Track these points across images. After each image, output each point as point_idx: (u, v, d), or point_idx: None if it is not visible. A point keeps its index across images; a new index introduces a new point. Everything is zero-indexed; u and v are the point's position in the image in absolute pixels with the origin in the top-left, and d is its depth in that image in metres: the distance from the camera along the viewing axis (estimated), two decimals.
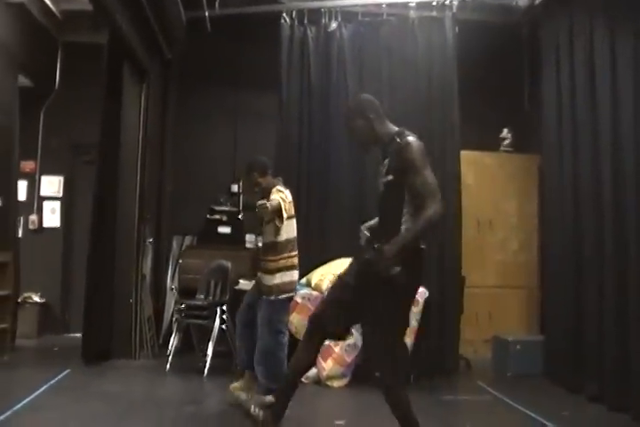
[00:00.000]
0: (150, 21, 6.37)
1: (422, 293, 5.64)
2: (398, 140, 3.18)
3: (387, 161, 3.24)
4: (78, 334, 7.16)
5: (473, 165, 6.87)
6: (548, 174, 6.16)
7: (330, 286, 4.13)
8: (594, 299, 5.18)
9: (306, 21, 6.71)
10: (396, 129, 3.31)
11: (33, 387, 4.91)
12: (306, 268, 5.57)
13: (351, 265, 3.47)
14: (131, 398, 4.87)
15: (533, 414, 4.50)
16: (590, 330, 5.21)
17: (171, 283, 7.19)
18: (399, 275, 3.02)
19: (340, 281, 3.50)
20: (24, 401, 4.55)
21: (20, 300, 7.08)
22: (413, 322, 5.50)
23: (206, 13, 6.83)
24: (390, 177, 3.17)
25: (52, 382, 5.17)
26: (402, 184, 3.14)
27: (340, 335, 3.73)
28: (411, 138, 3.16)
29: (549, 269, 5.99)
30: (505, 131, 7.30)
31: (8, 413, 4.26)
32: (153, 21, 6.39)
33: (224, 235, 7.13)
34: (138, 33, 6.29)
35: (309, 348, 3.47)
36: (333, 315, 3.37)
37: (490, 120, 7.28)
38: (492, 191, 6.99)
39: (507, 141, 7.27)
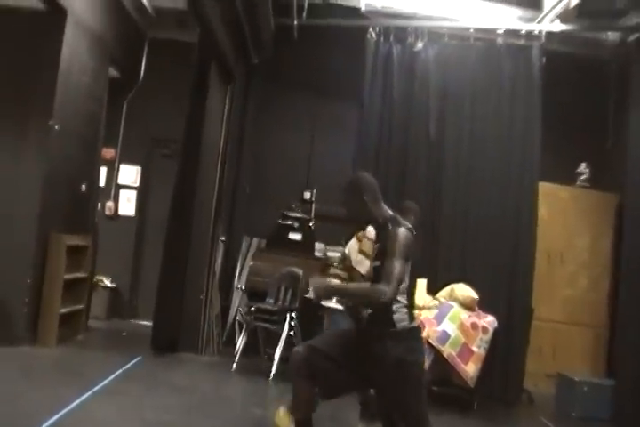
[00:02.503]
0: (242, 26, 6.46)
1: (492, 322, 5.61)
2: (390, 227, 3.15)
3: (377, 246, 3.20)
4: (144, 322, 7.39)
5: (547, 196, 6.77)
6: (631, 215, 6.05)
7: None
8: None
9: (392, 39, 6.71)
10: (391, 214, 3.27)
11: (108, 370, 5.03)
12: None
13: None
14: (200, 393, 4.94)
15: None
16: None
17: (237, 282, 7.26)
18: (416, 356, 3.13)
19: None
20: (102, 383, 4.68)
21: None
22: (481, 350, 5.49)
23: (295, 22, 6.92)
24: (378, 262, 3.14)
25: (125, 367, 5.28)
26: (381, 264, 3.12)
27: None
28: (401, 229, 3.13)
29: (624, 311, 5.85)
30: (583, 165, 7.19)
31: (89, 393, 4.39)
32: (244, 26, 6.48)
33: (294, 241, 7.15)
34: (229, 36, 6.39)
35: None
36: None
37: (568, 153, 7.18)
38: (564, 225, 6.89)
39: (583, 176, 7.16)
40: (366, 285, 3.15)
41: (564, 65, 6.69)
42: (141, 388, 4.82)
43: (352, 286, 3.27)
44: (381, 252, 3.13)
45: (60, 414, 3.86)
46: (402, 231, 3.11)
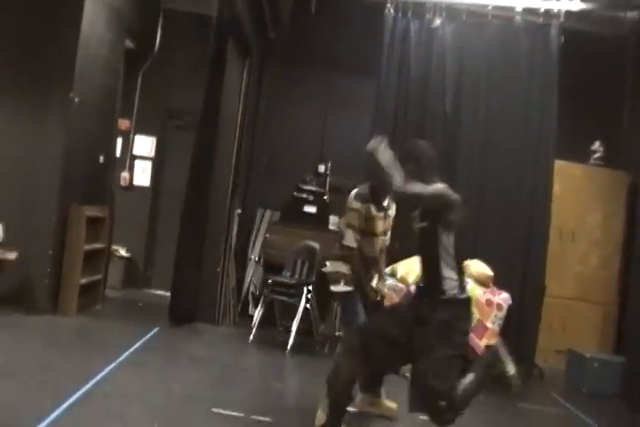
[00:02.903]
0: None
1: (506, 298, 5.67)
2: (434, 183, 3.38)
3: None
4: (159, 291, 7.52)
5: (560, 174, 6.74)
6: None
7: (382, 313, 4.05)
8: None
9: (410, 14, 6.60)
10: (442, 186, 3.40)
11: (129, 341, 5.11)
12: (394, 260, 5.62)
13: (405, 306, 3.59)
14: (220, 365, 5.02)
15: None
16: None
17: (251, 253, 7.32)
18: (461, 323, 3.28)
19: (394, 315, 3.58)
20: (124, 355, 4.75)
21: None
22: (495, 326, 5.56)
23: None
24: (424, 223, 3.32)
25: (146, 338, 5.36)
26: (435, 228, 3.29)
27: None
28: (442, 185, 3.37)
29: (635, 289, 5.87)
30: (597, 144, 7.17)
31: (114, 364, 4.47)
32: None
33: (309, 214, 7.19)
34: (248, 9, 6.33)
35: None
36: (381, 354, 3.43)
37: (583, 131, 7.13)
38: (577, 203, 6.90)
39: (597, 155, 7.14)
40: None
41: (582, 43, 6.59)
42: (163, 359, 4.90)
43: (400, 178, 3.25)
44: (428, 211, 3.32)
45: (89, 385, 3.94)
46: (443, 187, 3.34)
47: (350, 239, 3.93)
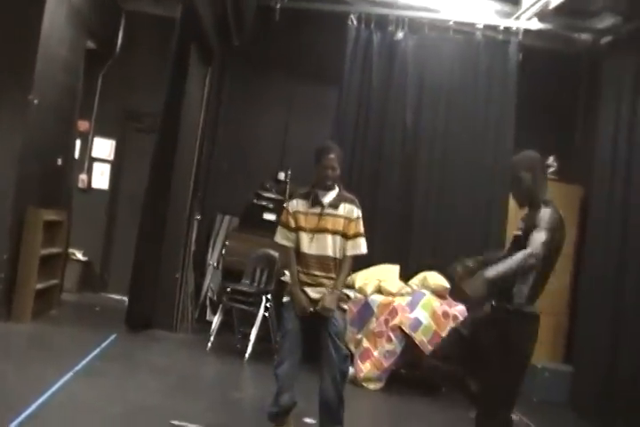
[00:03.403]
0: (225, 5, 6.31)
1: (462, 311, 5.72)
2: (542, 206, 3.27)
3: (525, 223, 3.34)
4: (115, 295, 7.38)
5: None
6: (594, 207, 6.21)
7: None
8: (632, 333, 5.19)
9: (372, 26, 6.67)
10: (549, 197, 3.37)
11: (86, 349, 5.00)
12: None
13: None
14: (178, 374, 4.95)
15: None
16: (624, 365, 5.22)
17: (210, 259, 7.24)
18: (525, 337, 3.21)
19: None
20: (81, 364, 4.63)
21: None
22: None
23: (277, 4, 6.80)
24: (520, 234, 3.28)
25: (103, 346, 5.24)
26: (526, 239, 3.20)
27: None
28: (548, 209, 3.25)
29: (586, 300, 6.01)
30: (551, 158, 7.31)
31: (70, 374, 4.34)
32: (227, 5, 6.33)
33: (268, 222, 7.11)
34: (211, 15, 6.26)
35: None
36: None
37: (539, 146, 7.10)
38: None
39: (551, 169, 7.27)
40: (513, 257, 3.09)
41: (538, 60, 6.77)
42: (120, 368, 4.80)
43: (503, 265, 3.10)
44: (525, 229, 3.24)
45: (45, 396, 3.83)
46: (549, 212, 3.20)
47: (278, 236, 3.91)
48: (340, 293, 3.82)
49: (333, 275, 3.82)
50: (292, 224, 3.85)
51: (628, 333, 5.29)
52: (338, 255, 3.82)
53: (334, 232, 3.81)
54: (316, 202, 3.83)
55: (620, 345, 5.37)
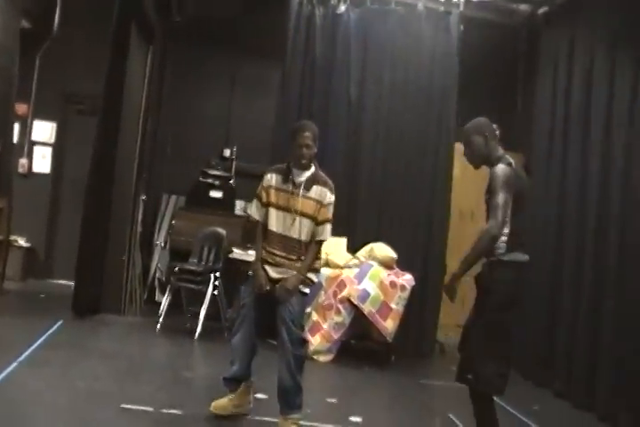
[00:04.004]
0: None
1: (410, 280, 5.75)
2: (495, 164, 3.39)
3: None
4: (61, 281, 7.17)
5: (460, 156, 6.83)
6: (535, 173, 6.27)
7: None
8: (568, 297, 5.33)
9: (315, 0, 6.56)
10: (501, 153, 3.48)
11: (31, 338, 4.81)
12: None
13: None
14: (128, 358, 4.83)
15: (507, 406, 4.55)
16: (563, 326, 5.36)
17: (157, 239, 7.12)
18: (497, 286, 3.25)
19: None
20: (25, 353, 4.46)
21: None
22: (399, 307, 5.64)
23: None
24: (486, 197, 3.38)
25: (48, 333, 5.08)
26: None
27: None
28: (500, 166, 3.35)
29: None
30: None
31: (14, 364, 4.18)
32: None
33: (215, 199, 7.02)
34: None
35: None
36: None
37: (481, 115, 7.28)
38: (475, 184, 7.02)
39: None
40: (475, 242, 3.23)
41: (479, 31, 6.75)
42: (67, 355, 4.64)
43: (469, 254, 3.25)
44: (488, 189, 3.32)
45: None
46: (499, 168, 3.31)
47: (253, 208, 3.88)
48: (303, 277, 3.74)
49: (294, 257, 3.76)
50: (264, 198, 3.81)
51: (565, 297, 5.40)
52: (303, 238, 3.75)
53: (302, 214, 3.75)
54: (290, 180, 3.77)
55: (557, 308, 5.49)
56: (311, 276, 3.81)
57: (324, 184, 3.79)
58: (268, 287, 3.74)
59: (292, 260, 3.76)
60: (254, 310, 3.77)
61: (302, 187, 3.74)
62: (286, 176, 3.78)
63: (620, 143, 5.04)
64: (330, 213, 3.80)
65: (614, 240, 4.92)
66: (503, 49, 7.13)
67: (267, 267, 3.78)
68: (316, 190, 3.75)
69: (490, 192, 3.32)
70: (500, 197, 3.23)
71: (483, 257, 3.32)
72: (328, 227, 3.79)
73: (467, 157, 3.60)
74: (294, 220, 3.72)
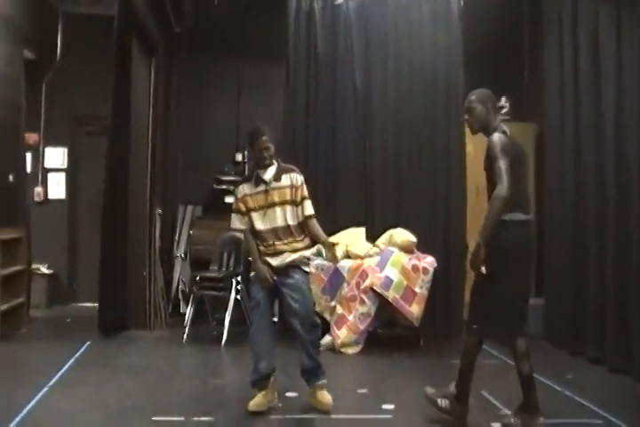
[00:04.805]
0: None
1: (431, 262, 5.64)
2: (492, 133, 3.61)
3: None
4: (87, 304, 7.22)
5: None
6: (549, 144, 6.11)
7: None
8: (595, 263, 5.21)
9: None
10: (497, 123, 3.73)
11: (60, 361, 4.82)
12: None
13: None
14: (156, 371, 4.80)
15: (541, 378, 4.36)
16: (591, 294, 5.23)
17: (177, 251, 7.11)
18: (501, 245, 3.42)
19: None
20: (56, 377, 4.47)
21: None
22: (423, 290, 5.53)
23: None
24: (485, 164, 3.59)
25: (77, 355, 5.08)
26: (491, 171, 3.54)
27: None
28: (496, 134, 3.60)
29: (551, 235, 5.93)
30: (503, 99, 7.13)
31: (45, 389, 4.19)
32: None
33: (231, 205, 6.94)
34: (149, 6, 6.10)
35: None
36: None
37: (490, 89, 7.15)
38: None
39: (505, 110, 7.09)
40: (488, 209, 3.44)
41: (480, 2, 6.59)
42: (97, 374, 4.62)
43: (485, 222, 3.43)
44: (487, 156, 3.54)
45: (21, 415, 3.67)
46: (494, 136, 3.56)
47: (233, 222, 4.11)
48: (301, 256, 4.00)
49: (290, 239, 4.00)
50: (243, 208, 4.06)
51: (591, 264, 5.28)
52: (290, 222, 4.02)
53: (282, 203, 4.01)
54: (260, 181, 4.02)
55: (585, 276, 5.37)
56: (306, 253, 4.07)
57: (291, 171, 4.08)
58: (275, 277, 3.96)
59: (289, 242, 4.00)
60: (267, 304, 4.00)
61: (273, 181, 4.01)
62: (255, 180, 4.04)
63: (634, 105, 4.89)
64: (305, 191, 4.06)
65: (636, 207, 4.81)
66: (507, 19, 6.91)
67: (268, 259, 4.01)
68: (285, 178, 4.03)
69: (489, 159, 3.54)
70: (502, 162, 3.46)
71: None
72: (307, 203, 4.05)
73: (466, 122, 3.85)
74: (275, 211, 4.00)
